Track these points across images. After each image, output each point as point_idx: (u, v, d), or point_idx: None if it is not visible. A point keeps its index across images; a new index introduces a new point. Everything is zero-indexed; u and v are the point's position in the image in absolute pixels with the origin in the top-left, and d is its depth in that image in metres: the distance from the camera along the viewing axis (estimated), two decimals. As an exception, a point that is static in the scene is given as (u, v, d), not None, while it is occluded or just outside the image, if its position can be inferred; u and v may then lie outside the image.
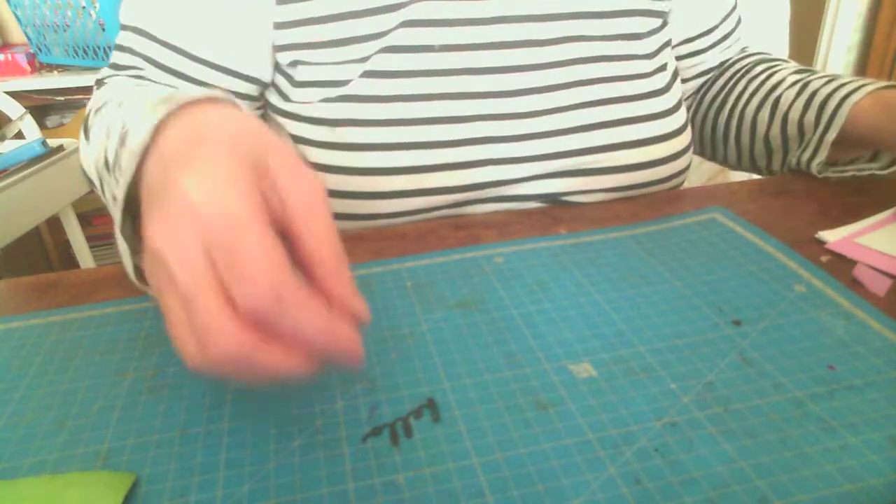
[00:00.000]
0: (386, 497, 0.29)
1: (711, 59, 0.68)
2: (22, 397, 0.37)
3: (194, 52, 0.53)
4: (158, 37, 0.53)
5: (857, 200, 0.54)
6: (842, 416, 0.32)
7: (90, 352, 0.40)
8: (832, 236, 0.47)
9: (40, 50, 1.87)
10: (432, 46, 0.51)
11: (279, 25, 0.52)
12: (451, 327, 0.39)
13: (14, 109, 1.60)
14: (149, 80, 0.54)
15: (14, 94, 1.67)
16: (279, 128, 0.55)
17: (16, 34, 1.98)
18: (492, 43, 0.52)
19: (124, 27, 0.54)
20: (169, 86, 0.53)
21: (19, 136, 1.52)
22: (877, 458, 0.30)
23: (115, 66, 0.55)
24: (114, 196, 0.35)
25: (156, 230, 0.26)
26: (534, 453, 0.31)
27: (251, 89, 0.56)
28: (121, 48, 0.55)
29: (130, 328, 0.42)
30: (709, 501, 0.28)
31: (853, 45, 2.09)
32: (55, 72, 1.86)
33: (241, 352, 0.24)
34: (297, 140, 0.55)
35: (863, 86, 0.54)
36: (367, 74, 0.51)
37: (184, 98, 0.31)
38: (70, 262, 1.81)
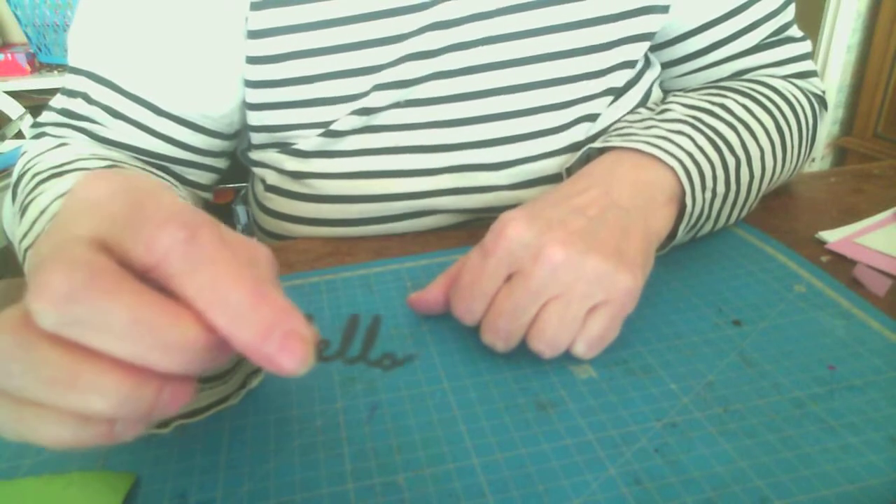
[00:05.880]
0: (386, 497, 0.29)
1: (709, 72, 0.55)
2: (22, 397, 0.37)
3: (162, 106, 0.49)
4: (122, 87, 0.48)
5: (857, 200, 0.54)
6: (842, 416, 0.32)
7: (90, 352, 0.40)
8: (832, 236, 0.47)
9: (40, 50, 1.87)
10: (398, 103, 0.50)
11: (251, 84, 0.50)
12: (451, 327, 0.39)
13: (14, 109, 1.61)
14: (104, 138, 0.49)
15: (14, 94, 1.68)
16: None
17: (16, 34, 1.98)
18: (457, 95, 0.50)
19: (77, 71, 0.49)
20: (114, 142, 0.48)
21: (19, 135, 1.52)
22: (877, 458, 0.30)
23: (66, 113, 0.49)
24: None
25: None
26: (534, 453, 0.31)
27: (215, 145, 0.53)
28: (72, 94, 0.49)
29: (130, 328, 0.42)
30: (709, 501, 0.28)
31: (853, 45, 2.09)
32: (55, 72, 1.87)
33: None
34: (269, 189, 0.55)
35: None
36: (329, 134, 0.50)
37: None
38: (70, 261, 1.80)
